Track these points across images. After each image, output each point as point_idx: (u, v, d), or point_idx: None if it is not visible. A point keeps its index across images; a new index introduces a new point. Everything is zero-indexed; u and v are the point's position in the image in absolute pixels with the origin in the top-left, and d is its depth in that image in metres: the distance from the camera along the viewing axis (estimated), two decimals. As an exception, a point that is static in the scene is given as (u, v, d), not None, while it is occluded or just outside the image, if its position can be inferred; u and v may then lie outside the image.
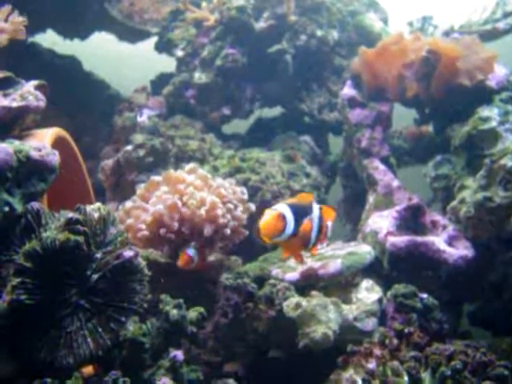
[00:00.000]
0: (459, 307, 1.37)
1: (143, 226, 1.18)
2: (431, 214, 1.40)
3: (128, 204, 1.25)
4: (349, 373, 1.01)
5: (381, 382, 0.98)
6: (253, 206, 1.31)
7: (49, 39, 2.20)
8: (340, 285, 1.24)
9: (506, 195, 1.22)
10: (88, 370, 0.93)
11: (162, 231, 1.18)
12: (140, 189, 1.30)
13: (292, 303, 1.11)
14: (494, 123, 1.38)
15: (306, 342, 1.07)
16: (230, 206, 1.22)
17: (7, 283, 0.92)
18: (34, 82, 1.26)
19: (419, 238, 1.28)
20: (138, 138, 1.77)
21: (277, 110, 2.24)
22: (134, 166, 1.74)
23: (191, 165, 1.33)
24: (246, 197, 1.29)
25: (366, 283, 1.22)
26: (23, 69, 1.32)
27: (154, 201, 1.24)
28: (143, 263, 1.01)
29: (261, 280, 1.22)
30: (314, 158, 1.94)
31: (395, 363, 1.00)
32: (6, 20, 1.25)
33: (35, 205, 1.01)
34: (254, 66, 1.99)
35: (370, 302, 1.17)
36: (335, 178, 2.01)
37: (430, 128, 1.74)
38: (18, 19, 1.31)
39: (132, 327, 0.99)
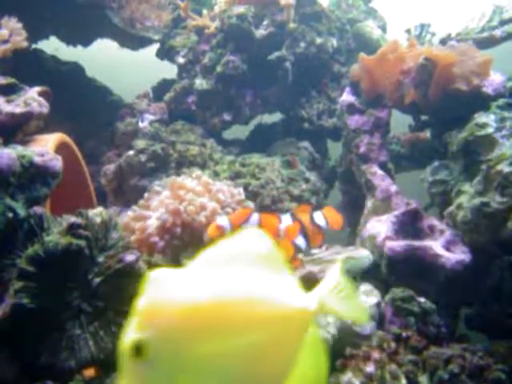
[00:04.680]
0: (456, 311, 1.38)
1: (157, 238, 1.18)
2: (429, 218, 1.41)
3: (128, 215, 1.26)
4: (347, 376, 1.02)
5: (379, 385, 0.99)
6: (251, 205, 1.33)
7: (52, 46, 2.22)
8: (339, 289, 1.24)
9: (503, 200, 1.23)
10: (89, 372, 0.93)
11: (167, 237, 1.19)
12: (142, 200, 1.31)
13: (291, 307, 1.12)
14: (490, 129, 1.39)
15: (304, 346, 1.08)
16: (229, 210, 1.24)
17: (10, 287, 0.93)
18: (37, 88, 1.28)
19: (417, 243, 1.29)
20: (140, 143, 1.79)
21: (276, 116, 2.26)
22: (135, 170, 1.76)
23: (197, 172, 1.35)
24: (243, 197, 1.32)
25: (365, 287, 1.23)
26: (26, 75, 1.34)
27: (156, 205, 1.26)
28: (145, 267, 1.02)
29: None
30: (313, 163, 1.96)
31: (393, 367, 1.01)
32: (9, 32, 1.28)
33: (38, 209, 1.02)
34: (254, 72, 2.01)
35: (369, 305, 1.18)
36: (334, 183, 2.03)
37: (427, 134, 1.75)
38: (19, 27, 1.33)
39: (133, 330, 1.00)
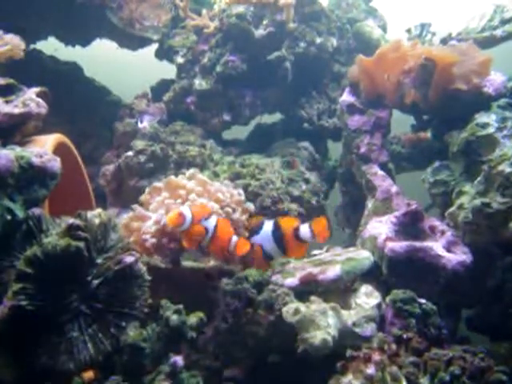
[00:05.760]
0: (457, 312, 1.37)
1: (148, 237, 1.18)
2: (430, 219, 1.40)
3: (126, 216, 1.25)
4: (348, 378, 1.02)
5: (380, 387, 0.98)
6: (251, 206, 1.32)
7: (51, 46, 2.22)
8: (339, 290, 1.24)
9: (504, 201, 1.22)
10: (88, 375, 0.93)
11: (165, 240, 1.18)
12: (143, 195, 1.31)
13: (291, 308, 1.12)
14: (491, 129, 1.39)
15: (305, 347, 1.07)
16: (229, 209, 1.23)
17: (8, 289, 0.92)
18: (35, 89, 1.28)
19: (418, 244, 1.29)
20: (139, 143, 1.78)
21: (276, 117, 2.26)
22: (134, 171, 1.75)
23: (191, 170, 1.34)
24: (243, 198, 1.30)
25: (365, 288, 1.23)
26: (25, 75, 1.34)
27: (155, 206, 1.25)
28: (143, 268, 1.02)
29: (260, 285, 1.22)
30: (313, 163, 1.95)
31: (394, 369, 1.01)
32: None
33: (36, 211, 1.02)
34: (253, 72, 2.00)
35: (369, 307, 1.17)
36: (334, 183, 2.02)
37: (428, 134, 1.75)
38: (16, 40, 1.32)
39: (132, 332, 0.99)
